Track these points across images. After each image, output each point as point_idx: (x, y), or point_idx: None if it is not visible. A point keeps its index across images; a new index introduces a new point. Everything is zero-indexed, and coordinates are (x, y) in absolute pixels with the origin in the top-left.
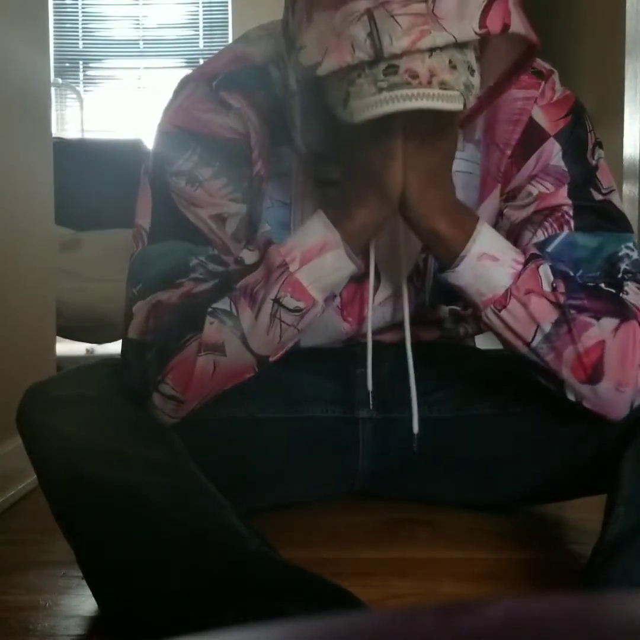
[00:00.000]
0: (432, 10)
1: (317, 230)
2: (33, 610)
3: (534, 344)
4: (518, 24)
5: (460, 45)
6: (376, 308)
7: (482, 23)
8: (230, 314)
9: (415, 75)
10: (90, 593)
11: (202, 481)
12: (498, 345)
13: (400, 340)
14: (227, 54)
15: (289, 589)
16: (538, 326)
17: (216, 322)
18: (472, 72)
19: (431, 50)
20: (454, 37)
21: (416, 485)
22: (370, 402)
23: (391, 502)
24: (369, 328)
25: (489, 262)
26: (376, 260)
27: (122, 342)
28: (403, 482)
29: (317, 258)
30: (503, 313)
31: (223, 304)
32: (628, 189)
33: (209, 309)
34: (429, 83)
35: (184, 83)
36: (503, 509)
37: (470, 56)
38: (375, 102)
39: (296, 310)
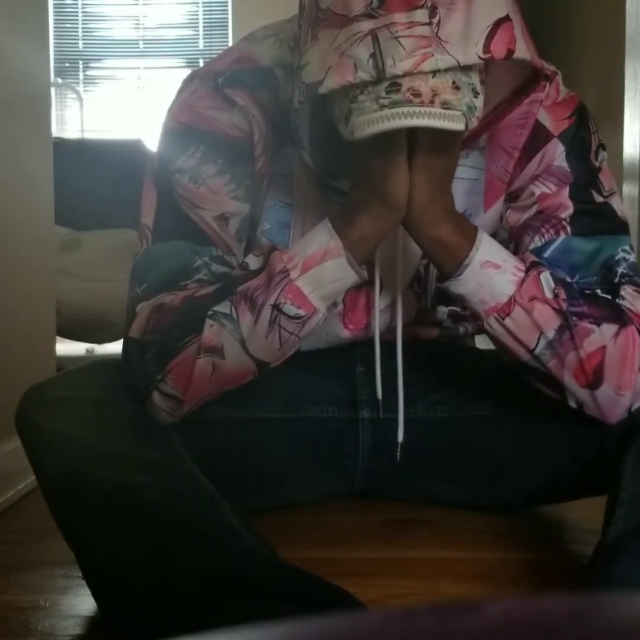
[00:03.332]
0: (437, 33)
1: (320, 238)
2: (33, 610)
3: (537, 350)
4: (523, 50)
5: (464, 68)
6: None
7: (487, 48)
8: (230, 317)
9: (417, 94)
10: (90, 593)
11: (201, 481)
12: None
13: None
14: (233, 52)
15: (288, 590)
16: (541, 333)
17: (216, 325)
18: (476, 94)
19: (434, 72)
20: (457, 61)
21: (416, 485)
22: (380, 407)
23: (391, 502)
24: (376, 334)
25: (492, 270)
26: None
27: (124, 340)
28: (403, 482)
29: (318, 266)
30: (507, 321)
31: (223, 307)
32: (628, 189)
33: (210, 312)
34: (431, 102)
35: (189, 79)
36: (503, 509)
37: (475, 79)
38: (376, 119)
39: (296, 317)
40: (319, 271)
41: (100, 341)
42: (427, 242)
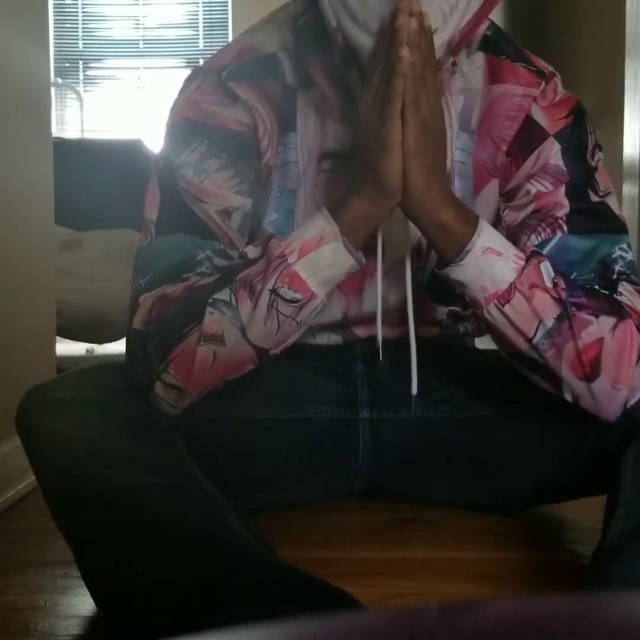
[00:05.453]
0: None
1: (317, 224)
2: (33, 610)
3: (536, 339)
4: None
5: None
6: (373, 282)
7: None
8: (229, 305)
9: None
10: (89, 593)
11: (201, 482)
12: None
13: (400, 337)
14: (234, 46)
15: (287, 590)
16: (540, 321)
17: (216, 313)
18: None
19: None
20: None
21: (416, 485)
22: (379, 370)
23: (391, 502)
24: (379, 300)
25: (493, 257)
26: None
27: (127, 332)
28: (403, 482)
29: (315, 251)
30: (506, 308)
31: (223, 294)
32: (628, 189)
33: (210, 300)
34: None
35: (192, 76)
36: (503, 509)
37: None
38: None
39: (293, 301)
40: (315, 256)
41: (100, 341)
42: (431, 227)
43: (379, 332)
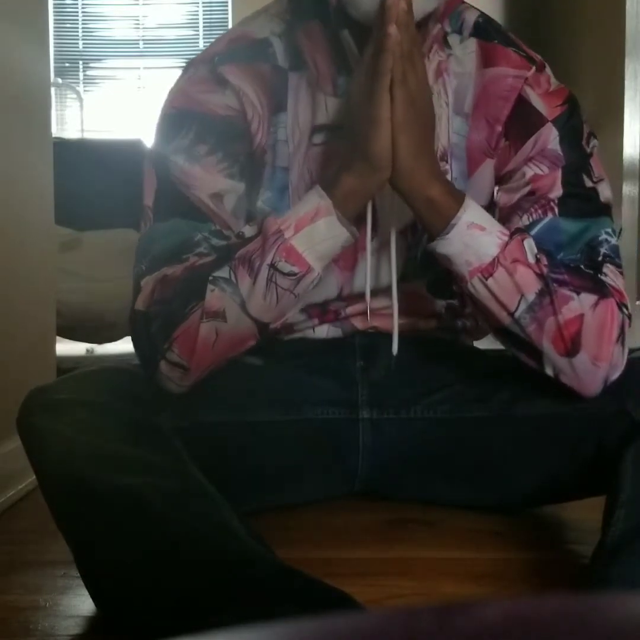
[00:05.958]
0: None
1: (311, 200)
2: (33, 610)
3: (518, 313)
4: None
5: None
6: (366, 256)
7: None
8: (229, 282)
9: None
10: (89, 594)
11: (201, 483)
12: (498, 346)
13: (399, 331)
14: (226, 36)
15: (287, 591)
16: (522, 295)
17: (217, 290)
18: None
19: None
20: None
21: (416, 485)
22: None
23: (391, 502)
24: (367, 280)
25: (477, 231)
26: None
27: (130, 314)
28: (403, 482)
29: (310, 225)
30: (490, 281)
31: (223, 272)
32: (628, 189)
33: (210, 278)
34: None
35: (185, 69)
36: (503, 509)
37: None
38: None
39: (291, 274)
40: (311, 230)
41: (100, 341)
42: (419, 202)
43: (368, 292)
